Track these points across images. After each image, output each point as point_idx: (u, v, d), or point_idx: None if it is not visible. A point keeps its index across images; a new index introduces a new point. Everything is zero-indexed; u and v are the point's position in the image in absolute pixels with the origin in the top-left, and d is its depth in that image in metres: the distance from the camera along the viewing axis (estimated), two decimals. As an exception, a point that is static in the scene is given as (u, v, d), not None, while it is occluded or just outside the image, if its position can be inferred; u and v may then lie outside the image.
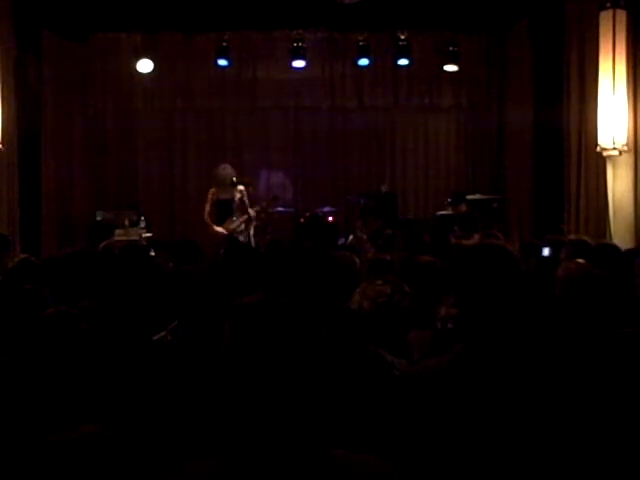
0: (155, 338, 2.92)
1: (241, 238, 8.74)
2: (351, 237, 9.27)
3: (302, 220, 9.83)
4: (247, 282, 3.52)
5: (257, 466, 1.32)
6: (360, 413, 2.22)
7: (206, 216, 8.95)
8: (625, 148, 7.48)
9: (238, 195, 8.93)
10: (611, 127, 7.48)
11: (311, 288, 2.57)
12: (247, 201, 9.02)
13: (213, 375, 2.26)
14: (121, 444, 1.65)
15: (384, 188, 10.81)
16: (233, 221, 8.91)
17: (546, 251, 5.29)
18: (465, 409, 1.87)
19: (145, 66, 10.28)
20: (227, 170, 8.96)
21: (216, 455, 1.37)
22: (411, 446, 1.91)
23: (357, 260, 4.64)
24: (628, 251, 4.92)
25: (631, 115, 7.50)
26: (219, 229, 8.86)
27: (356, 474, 1.36)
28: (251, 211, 9.01)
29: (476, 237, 8.20)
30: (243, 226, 8.97)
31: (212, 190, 9.00)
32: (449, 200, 9.69)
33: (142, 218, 9.60)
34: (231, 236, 8.64)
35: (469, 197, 9.79)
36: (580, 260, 3.51)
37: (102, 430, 1.66)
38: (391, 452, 1.66)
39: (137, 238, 9.09)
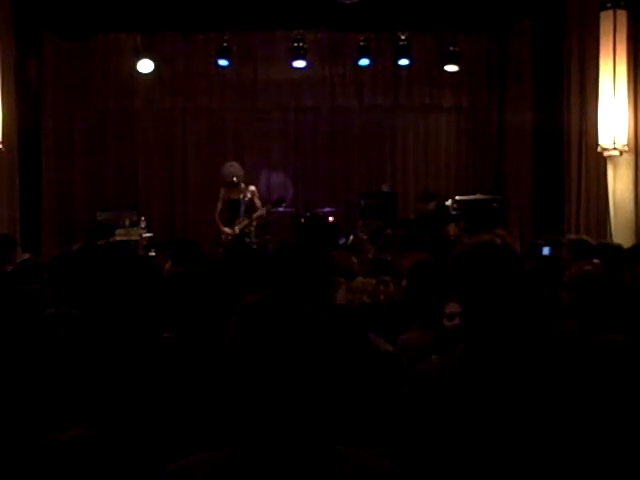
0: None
1: (248, 239, 8.61)
2: (351, 237, 9.27)
3: (302, 220, 9.82)
4: (248, 282, 3.51)
5: (262, 461, 1.33)
6: (362, 410, 2.22)
7: (216, 215, 8.87)
8: (626, 148, 7.48)
9: (249, 195, 8.78)
10: (612, 127, 7.47)
11: (309, 287, 2.58)
12: (258, 202, 8.90)
13: (215, 373, 2.26)
14: (111, 446, 1.65)
15: (385, 188, 10.81)
16: (241, 222, 8.81)
17: (546, 250, 5.29)
18: (467, 408, 1.87)
19: (145, 66, 10.28)
20: (232, 168, 8.80)
21: (222, 448, 1.39)
22: (413, 444, 1.91)
23: (354, 259, 4.65)
24: (630, 249, 4.91)
25: (632, 115, 7.50)
26: (227, 229, 8.78)
27: (359, 470, 1.37)
28: (260, 212, 8.89)
29: (452, 228, 8.27)
30: (252, 227, 8.84)
31: (223, 189, 8.91)
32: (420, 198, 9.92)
33: (142, 218, 9.59)
34: (238, 236, 8.54)
35: (469, 197, 9.82)
36: (596, 260, 3.50)
37: (92, 433, 1.66)
38: (393, 450, 1.66)
39: (137, 238, 9.09)
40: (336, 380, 2.01)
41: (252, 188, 8.86)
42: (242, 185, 8.76)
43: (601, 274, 3.07)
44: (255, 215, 8.83)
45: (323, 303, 2.59)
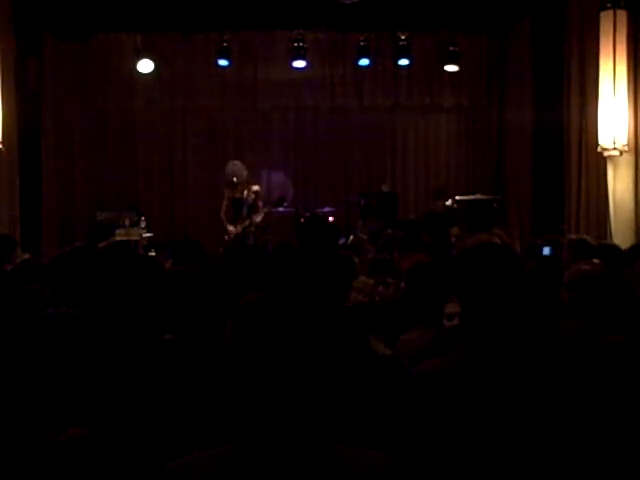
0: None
1: (248, 238, 8.59)
2: (351, 237, 9.27)
3: (302, 220, 9.83)
4: (247, 281, 3.52)
5: (262, 458, 1.33)
6: (361, 410, 2.22)
7: (221, 214, 8.85)
8: (626, 148, 7.48)
9: (252, 195, 8.71)
10: (612, 127, 7.47)
11: (312, 287, 2.59)
12: (260, 203, 8.85)
13: (213, 373, 2.26)
14: (112, 446, 1.65)
15: (385, 188, 10.81)
16: (243, 221, 8.77)
17: (546, 250, 5.29)
18: (467, 409, 1.87)
19: (145, 66, 10.29)
20: (234, 167, 8.68)
21: (221, 447, 1.39)
22: (413, 445, 1.91)
23: (356, 259, 4.65)
24: (629, 249, 4.91)
25: (632, 115, 7.50)
26: (230, 228, 8.76)
27: (358, 468, 1.37)
28: (259, 217, 8.85)
29: (455, 229, 8.28)
30: (252, 227, 8.79)
31: (226, 188, 8.86)
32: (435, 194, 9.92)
33: (142, 218, 9.60)
34: (240, 236, 8.52)
35: (469, 197, 9.81)
36: (596, 260, 3.49)
37: (92, 432, 1.66)
38: (392, 450, 1.66)
39: (137, 238, 9.09)
40: (334, 380, 2.01)
41: (255, 188, 8.77)
42: (245, 184, 8.71)
43: (601, 274, 3.06)
44: (254, 217, 8.77)
45: (338, 304, 2.59)
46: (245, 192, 8.69)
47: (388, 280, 3.32)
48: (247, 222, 8.74)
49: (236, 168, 8.70)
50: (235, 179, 8.64)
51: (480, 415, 1.85)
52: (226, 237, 8.67)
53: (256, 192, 8.76)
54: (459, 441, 1.85)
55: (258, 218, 8.80)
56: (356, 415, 2.20)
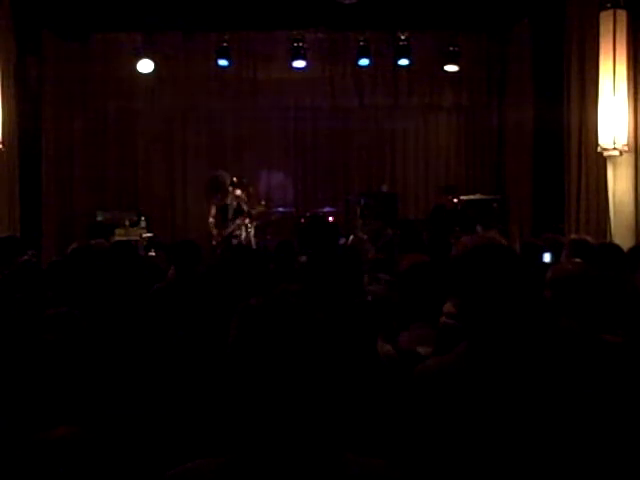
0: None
1: (236, 241, 8.67)
2: (351, 237, 9.27)
3: (302, 220, 9.84)
4: (246, 282, 3.51)
5: (265, 468, 1.30)
6: (365, 413, 2.22)
7: (210, 221, 8.91)
8: (626, 148, 7.48)
9: (236, 200, 8.84)
10: (612, 127, 7.47)
11: (322, 283, 2.57)
12: (245, 206, 8.93)
13: (215, 375, 2.26)
14: (100, 445, 1.63)
15: (384, 188, 10.81)
16: (227, 226, 8.84)
17: (547, 257, 5.22)
18: (468, 408, 1.86)
19: (145, 66, 10.29)
20: (225, 174, 8.90)
21: (223, 454, 1.36)
22: (415, 446, 1.91)
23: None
24: (631, 250, 4.90)
25: (631, 115, 7.50)
26: (215, 233, 8.81)
27: (365, 478, 1.34)
28: (244, 218, 8.89)
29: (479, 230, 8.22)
30: (241, 230, 8.86)
31: (218, 195, 8.97)
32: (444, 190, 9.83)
33: (142, 218, 9.60)
34: (225, 240, 8.60)
35: (469, 197, 9.81)
36: (577, 259, 3.49)
37: (78, 432, 1.65)
38: (395, 452, 1.66)
39: (137, 238, 9.10)
40: (340, 385, 2.00)
41: (237, 192, 8.88)
42: (229, 190, 8.80)
43: (579, 274, 3.03)
44: (238, 221, 8.85)
45: (355, 299, 2.58)
46: (229, 198, 8.76)
47: (379, 276, 3.30)
48: (233, 226, 8.79)
49: (227, 174, 8.82)
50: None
51: (483, 414, 1.85)
52: (213, 242, 8.72)
53: (238, 197, 8.83)
54: (462, 440, 1.85)
55: (239, 220, 8.86)
56: (360, 418, 2.19)
